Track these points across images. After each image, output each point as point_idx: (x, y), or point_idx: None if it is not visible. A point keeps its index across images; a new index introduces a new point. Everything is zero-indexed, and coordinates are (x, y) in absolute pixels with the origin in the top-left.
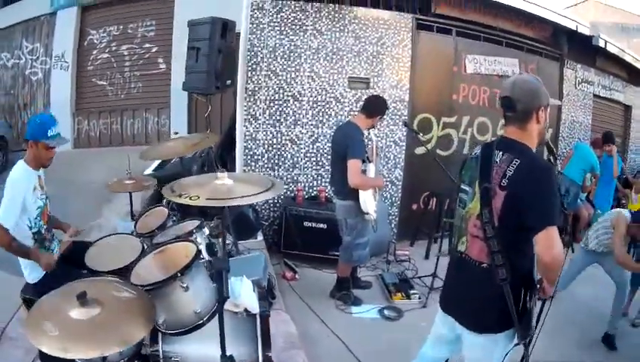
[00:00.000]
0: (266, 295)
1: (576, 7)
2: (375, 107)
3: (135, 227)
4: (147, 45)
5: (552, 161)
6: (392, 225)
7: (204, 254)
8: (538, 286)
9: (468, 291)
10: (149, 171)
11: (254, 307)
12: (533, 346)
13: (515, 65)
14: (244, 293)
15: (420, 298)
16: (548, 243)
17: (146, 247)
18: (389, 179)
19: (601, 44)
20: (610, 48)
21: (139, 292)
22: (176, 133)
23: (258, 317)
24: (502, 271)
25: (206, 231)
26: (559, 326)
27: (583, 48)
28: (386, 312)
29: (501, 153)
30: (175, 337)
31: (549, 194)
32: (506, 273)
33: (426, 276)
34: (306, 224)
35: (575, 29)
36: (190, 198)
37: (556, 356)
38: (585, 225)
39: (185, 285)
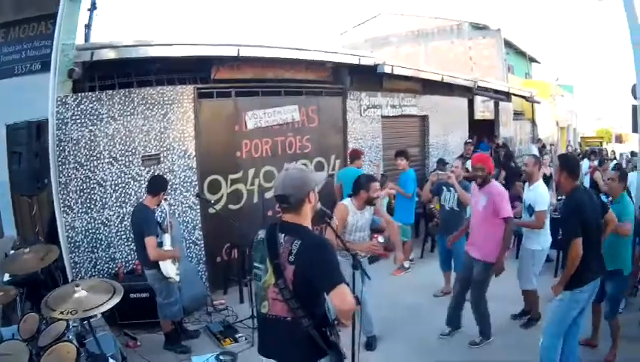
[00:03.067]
0: None
1: (370, 22)
2: (155, 186)
3: (19, 332)
4: None
5: (328, 219)
6: (204, 280)
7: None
8: (336, 321)
9: (281, 339)
10: (7, 278)
11: None
12: None
13: (295, 111)
14: None
15: (246, 338)
16: (342, 297)
17: (32, 349)
18: (190, 240)
19: (387, 70)
20: (398, 71)
21: None
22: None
23: None
24: (304, 320)
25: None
26: None
27: (369, 76)
28: (222, 357)
29: (284, 235)
30: None
31: (329, 262)
32: (308, 321)
33: (245, 319)
34: (132, 296)
35: (358, 62)
36: (70, 313)
37: None
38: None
39: None
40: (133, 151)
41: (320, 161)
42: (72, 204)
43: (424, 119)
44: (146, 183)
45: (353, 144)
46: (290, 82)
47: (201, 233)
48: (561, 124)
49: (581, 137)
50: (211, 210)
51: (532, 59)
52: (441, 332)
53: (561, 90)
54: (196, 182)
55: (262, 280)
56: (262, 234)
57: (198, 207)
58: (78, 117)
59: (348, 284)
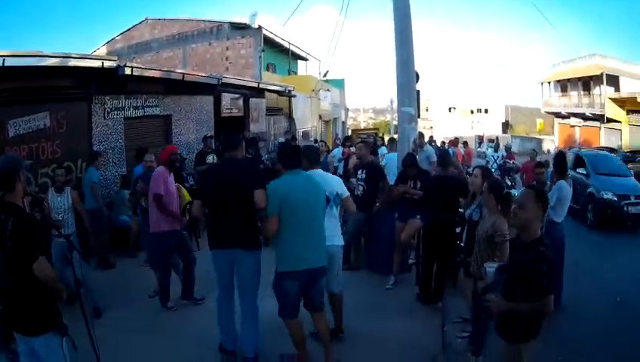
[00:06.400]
0: None
1: (132, 30)
2: None
3: None
4: None
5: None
6: None
7: None
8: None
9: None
10: None
11: None
12: None
13: (46, 118)
14: None
15: None
16: (41, 267)
17: None
18: None
19: (127, 72)
20: (138, 72)
21: None
22: None
23: None
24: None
25: None
26: None
27: (113, 80)
28: None
29: (3, 215)
30: None
31: (35, 237)
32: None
33: None
34: None
35: (101, 65)
36: None
37: None
38: (135, 234)
39: None
40: None
41: (69, 165)
42: None
43: (167, 119)
44: None
45: (97, 147)
46: (44, 90)
47: None
48: (325, 117)
49: (352, 130)
50: None
51: (298, 57)
52: None
53: (326, 85)
54: None
55: None
56: None
57: None
58: None
59: (49, 258)
